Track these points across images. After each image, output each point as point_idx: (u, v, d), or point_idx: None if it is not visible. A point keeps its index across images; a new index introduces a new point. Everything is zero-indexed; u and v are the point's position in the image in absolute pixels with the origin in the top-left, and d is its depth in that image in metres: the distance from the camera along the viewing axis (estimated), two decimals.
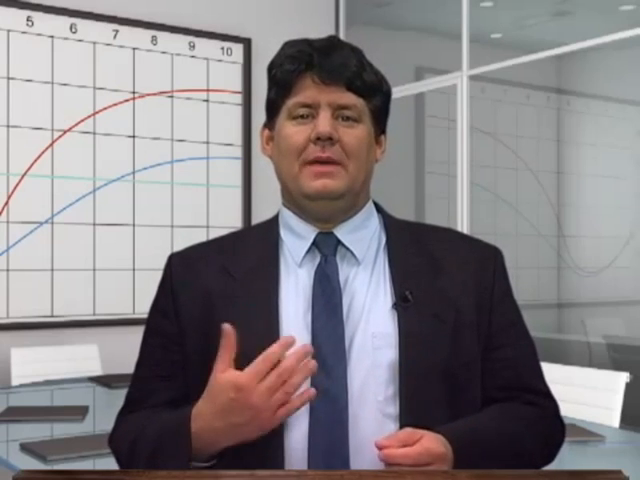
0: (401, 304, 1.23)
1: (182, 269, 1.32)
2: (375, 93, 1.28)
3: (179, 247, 1.38)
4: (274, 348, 1.08)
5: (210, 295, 1.27)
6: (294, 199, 1.28)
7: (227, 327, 1.11)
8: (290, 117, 1.25)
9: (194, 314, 1.27)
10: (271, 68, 1.28)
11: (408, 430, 1.12)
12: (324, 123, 1.22)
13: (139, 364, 1.35)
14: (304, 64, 1.23)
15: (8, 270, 4.15)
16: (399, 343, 1.21)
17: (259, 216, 4.66)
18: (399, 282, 1.25)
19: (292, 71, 1.24)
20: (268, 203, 4.64)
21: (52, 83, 4.30)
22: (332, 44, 1.25)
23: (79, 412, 2.78)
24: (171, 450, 1.15)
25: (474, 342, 1.26)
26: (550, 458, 1.31)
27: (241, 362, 1.20)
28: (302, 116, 1.24)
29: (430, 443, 1.09)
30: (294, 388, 1.08)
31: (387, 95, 1.31)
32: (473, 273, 1.29)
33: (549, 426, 1.31)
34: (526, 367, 1.31)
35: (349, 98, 1.24)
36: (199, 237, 4.47)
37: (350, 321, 1.23)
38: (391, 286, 1.26)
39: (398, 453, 1.07)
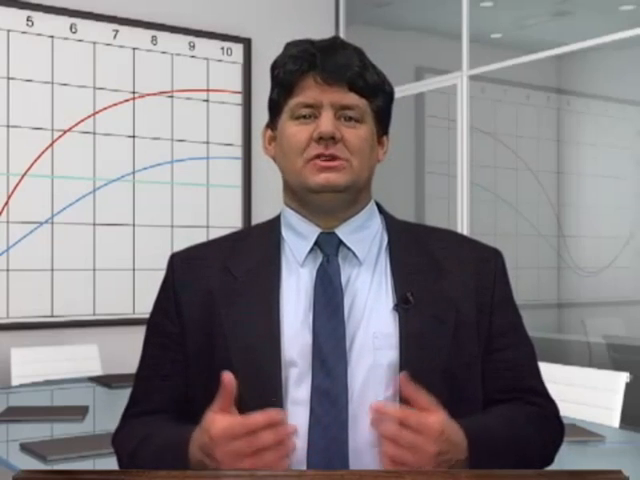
0: (402, 305, 1.23)
1: (184, 269, 1.32)
2: (377, 94, 1.28)
3: (179, 247, 1.38)
4: (257, 418, 1.03)
5: (211, 294, 1.27)
6: (297, 195, 1.28)
7: (226, 377, 1.07)
8: (292, 117, 1.25)
9: (196, 314, 1.27)
10: (274, 68, 1.29)
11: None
12: (326, 123, 1.22)
13: (141, 363, 1.35)
14: (307, 64, 1.23)
15: (8, 270, 4.15)
16: (400, 344, 1.21)
17: (259, 216, 4.66)
18: (400, 283, 1.25)
19: (294, 71, 1.24)
20: (268, 203, 4.64)
21: (52, 83, 4.30)
22: (335, 44, 1.26)
23: (79, 412, 2.78)
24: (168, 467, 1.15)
25: (474, 343, 1.26)
26: (548, 460, 1.30)
27: (242, 360, 1.21)
28: (304, 116, 1.24)
29: (429, 416, 1.06)
30: (264, 464, 1.03)
31: (390, 96, 1.32)
32: (473, 274, 1.29)
33: (551, 428, 1.31)
34: (526, 369, 1.31)
35: (351, 98, 1.24)
36: (199, 237, 4.46)
37: (351, 321, 1.23)
38: (392, 287, 1.26)
39: (388, 409, 1.05)
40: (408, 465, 1.03)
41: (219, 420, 1.06)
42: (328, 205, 1.26)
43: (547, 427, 1.29)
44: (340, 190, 1.24)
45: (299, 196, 1.28)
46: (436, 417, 1.07)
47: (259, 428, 1.03)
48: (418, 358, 1.20)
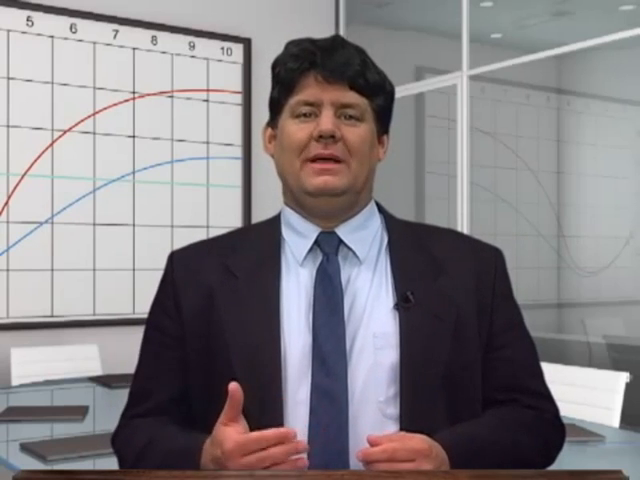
0: (402, 304, 1.23)
1: (183, 266, 1.32)
2: (378, 92, 1.28)
3: (179, 247, 1.38)
4: (270, 434, 1.05)
5: (211, 292, 1.27)
6: (295, 196, 1.28)
7: (233, 386, 1.08)
8: (293, 115, 1.25)
9: (195, 311, 1.27)
10: (275, 67, 1.29)
11: (402, 433, 1.12)
12: (327, 121, 1.22)
13: (140, 361, 1.35)
14: (307, 62, 1.23)
15: (8, 270, 4.15)
16: (400, 343, 1.21)
17: (259, 216, 4.66)
18: (401, 282, 1.25)
19: (295, 69, 1.24)
20: (268, 203, 4.64)
21: (52, 83, 4.30)
22: (336, 43, 1.25)
23: (79, 412, 2.78)
24: None
25: (475, 342, 1.26)
26: (549, 462, 1.30)
27: (242, 359, 1.21)
28: (305, 114, 1.24)
29: (412, 441, 1.08)
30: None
31: (390, 95, 1.32)
32: (474, 273, 1.29)
33: (549, 431, 1.30)
34: (525, 368, 1.31)
35: (352, 97, 1.24)
36: (199, 237, 4.46)
37: (352, 321, 1.23)
38: (393, 286, 1.26)
39: (375, 450, 1.06)
40: None
41: (231, 435, 1.07)
42: (326, 209, 1.26)
43: (543, 431, 1.28)
44: (338, 194, 1.24)
45: (297, 198, 1.28)
46: (418, 439, 1.09)
47: (270, 444, 1.04)
48: (419, 357, 1.20)
